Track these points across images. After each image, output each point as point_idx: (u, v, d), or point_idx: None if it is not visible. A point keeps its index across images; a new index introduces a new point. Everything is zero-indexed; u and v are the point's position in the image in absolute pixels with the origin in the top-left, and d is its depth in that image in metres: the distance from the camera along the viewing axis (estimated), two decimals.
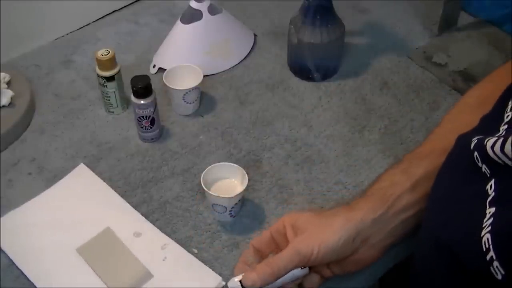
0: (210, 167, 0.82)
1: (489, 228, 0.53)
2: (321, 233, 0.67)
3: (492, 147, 0.56)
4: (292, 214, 0.72)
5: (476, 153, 0.58)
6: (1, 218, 0.82)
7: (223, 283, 0.74)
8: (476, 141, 0.59)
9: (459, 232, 0.58)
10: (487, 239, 0.53)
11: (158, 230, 0.80)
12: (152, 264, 0.76)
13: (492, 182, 0.56)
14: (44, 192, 0.86)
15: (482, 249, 0.53)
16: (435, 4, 1.10)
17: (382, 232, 0.69)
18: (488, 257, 0.52)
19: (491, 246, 0.52)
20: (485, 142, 0.57)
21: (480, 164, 0.58)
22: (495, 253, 0.52)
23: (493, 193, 0.56)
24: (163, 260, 0.77)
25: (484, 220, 0.54)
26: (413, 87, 1.01)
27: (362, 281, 0.77)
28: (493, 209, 0.54)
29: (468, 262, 0.56)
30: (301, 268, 0.69)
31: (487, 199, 0.56)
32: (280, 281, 0.68)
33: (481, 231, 0.54)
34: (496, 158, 0.56)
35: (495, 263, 0.52)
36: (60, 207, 0.84)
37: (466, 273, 0.57)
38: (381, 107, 0.98)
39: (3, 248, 0.79)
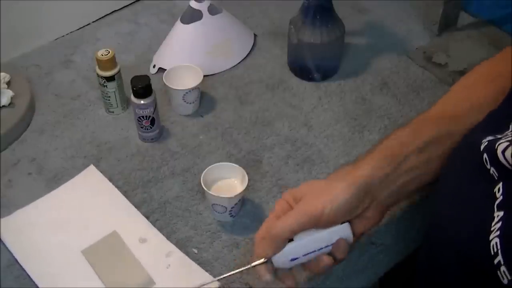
0: (210, 167, 0.82)
1: (498, 232, 0.53)
2: (329, 191, 0.65)
3: (503, 152, 0.55)
4: (290, 190, 0.69)
5: (485, 155, 0.58)
6: (8, 217, 0.82)
7: None
8: (486, 143, 0.59)
9: (467, 232, 0.57)
10: (496, 243, 0.53)
11: (163, 237, 0.80)
12: (155, 271, 0.76)
13: (500, 185, 0.56)
14: (51, 192, 0.85)
15: (491, 252, 0.53)
16: (435, 4, 1.09)
17: (388, 190, 0.67)
18: (495, 261, 0.52)
19: (499, 251, 0.52)
20: (496, 146, 0.57)
21: (488, 166, 0.58)
22: (503, 258, 0.52)
23: (501, 197, 0.55)
24: (167, 267, 0.77)
25: (493, 224, 0.54)
26: (413, 87, 1.01)
27: (362, 281, 0.77)
28: (501, 213, 0.54)
29: (476, 263, 0.56)
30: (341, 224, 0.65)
31: (495, 202, 0.56)
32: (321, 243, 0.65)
33: (490, 234, 0.54)
34: (505, 163, 0.55)
35: (503, 268, 0.52)
36: (68, 207, 0.84)
37: (473, 270, 0.57)
38: (381, 107, 0.98)
39: (8, 246, 0.79)
